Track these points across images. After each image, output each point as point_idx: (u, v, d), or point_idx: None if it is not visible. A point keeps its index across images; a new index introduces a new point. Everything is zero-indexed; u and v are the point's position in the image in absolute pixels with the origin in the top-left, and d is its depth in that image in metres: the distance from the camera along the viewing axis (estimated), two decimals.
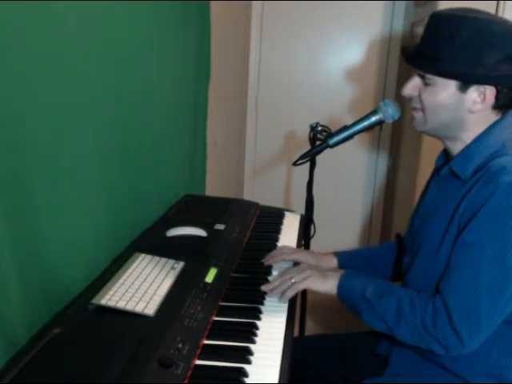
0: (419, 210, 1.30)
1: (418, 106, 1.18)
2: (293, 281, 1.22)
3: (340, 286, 1.19)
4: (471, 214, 1.07)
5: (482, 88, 1.10)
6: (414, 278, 1.22)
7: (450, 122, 1.15)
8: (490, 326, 1.07)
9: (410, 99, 1.19)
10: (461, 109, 1.12)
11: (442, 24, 1.12)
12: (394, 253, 1.49)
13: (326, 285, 1.21)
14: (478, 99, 1.11)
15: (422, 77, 1.15)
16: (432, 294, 1.12)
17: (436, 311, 1.07)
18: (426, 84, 1.14)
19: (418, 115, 1.18)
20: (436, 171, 1.28)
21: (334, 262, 1.46)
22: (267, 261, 1.40)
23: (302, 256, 1.44)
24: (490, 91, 1.09)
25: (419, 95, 1.16)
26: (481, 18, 1.09)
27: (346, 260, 1.47)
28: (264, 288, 1.24)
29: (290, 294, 1.20)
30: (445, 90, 1.12)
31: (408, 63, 1.19)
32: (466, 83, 1.10)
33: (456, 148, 1.18)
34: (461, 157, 1.16)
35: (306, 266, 1.27)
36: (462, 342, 1.06)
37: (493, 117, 1.14)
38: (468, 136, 1.15)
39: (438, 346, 1.09)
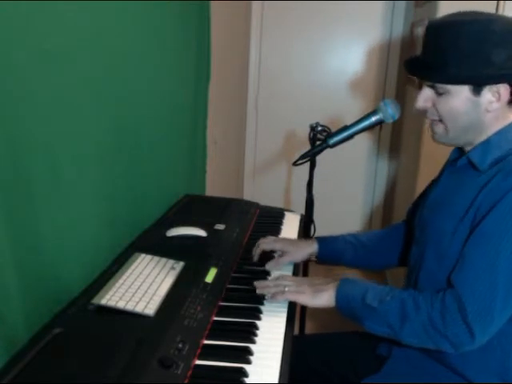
0: (428, 201, 1.27)
1: (435, 117, 1.16)
2: (286, 289, 1.20)
3: (338, 298, 1.17)
4: (489, 205, 1.05)
5: (494, 88, 1.09)
6: (425, 271, 1.20)
7: (470, 125, 1.13)
8: (500, 321, 1.05)
9: (425, 112, 1.17)
10: (478, 111, 1.11)
11: (442, 32, 1.10)
12: (380, 242, 1.47)
13: (322, 299, 1.18)
14: (493, 98, 1.10)
15: (432, 87, 1.13)
16: (438, 290, 1.09)
17: (445, 307, 1.05)
18: (439, 94, 1.13)
19: (439, 128, 1.17)
20: (450, 163, 1.27)
21: (314, 246, 1.44)
22: (254, 257, 1.42)
23: (279, 245, 1.43)
24: (504, 89, 1.09)
25: (434, 106, 1.15)
26: (479, 19, 1.08)
27: (327, 243, 1.45)
28: (256, 284, 1.23)
29: (279, 298, 1.19)
30: (459, 97, 1.11)
31: (414, 75, 1.16)
32: (478, 86, 1.09)
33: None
34: (480, 148, 1.15)
35: (304, 281, 1.26)
36: (474, 337, 1.03)
37: (510, 113, 1.14)
38: (487, 136, 1.14)
39: (448, 344, 1.06)
